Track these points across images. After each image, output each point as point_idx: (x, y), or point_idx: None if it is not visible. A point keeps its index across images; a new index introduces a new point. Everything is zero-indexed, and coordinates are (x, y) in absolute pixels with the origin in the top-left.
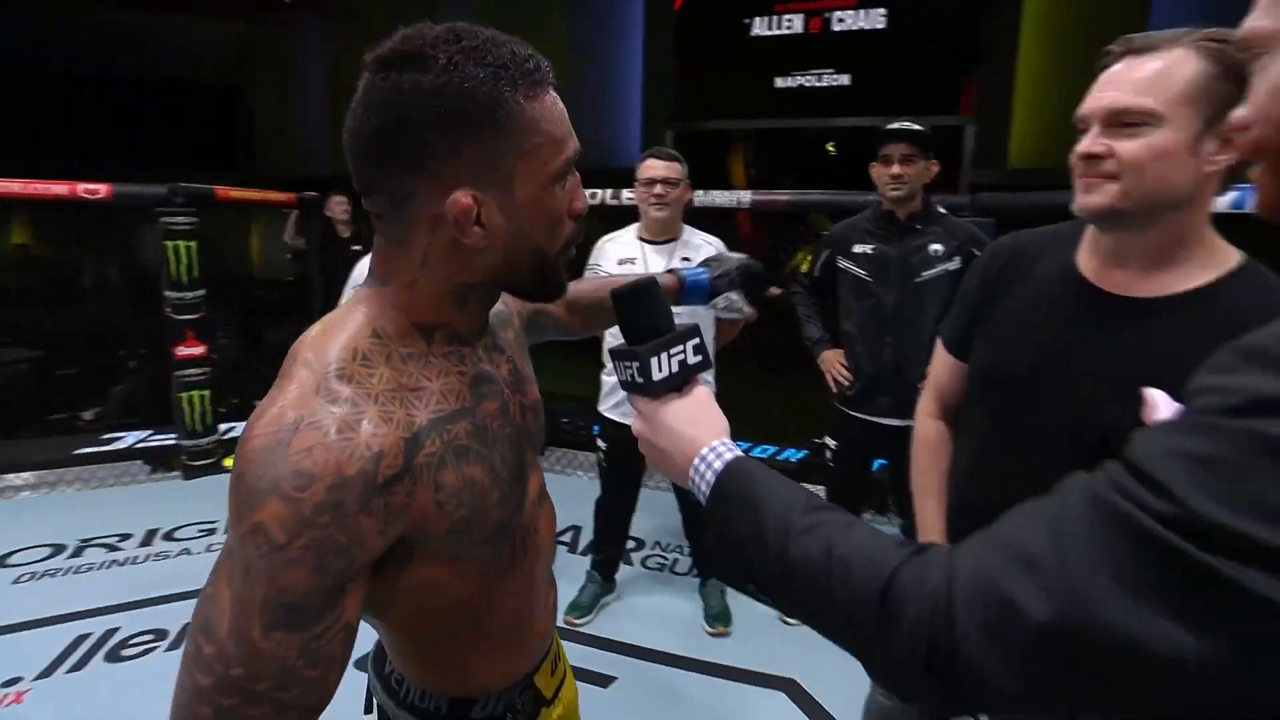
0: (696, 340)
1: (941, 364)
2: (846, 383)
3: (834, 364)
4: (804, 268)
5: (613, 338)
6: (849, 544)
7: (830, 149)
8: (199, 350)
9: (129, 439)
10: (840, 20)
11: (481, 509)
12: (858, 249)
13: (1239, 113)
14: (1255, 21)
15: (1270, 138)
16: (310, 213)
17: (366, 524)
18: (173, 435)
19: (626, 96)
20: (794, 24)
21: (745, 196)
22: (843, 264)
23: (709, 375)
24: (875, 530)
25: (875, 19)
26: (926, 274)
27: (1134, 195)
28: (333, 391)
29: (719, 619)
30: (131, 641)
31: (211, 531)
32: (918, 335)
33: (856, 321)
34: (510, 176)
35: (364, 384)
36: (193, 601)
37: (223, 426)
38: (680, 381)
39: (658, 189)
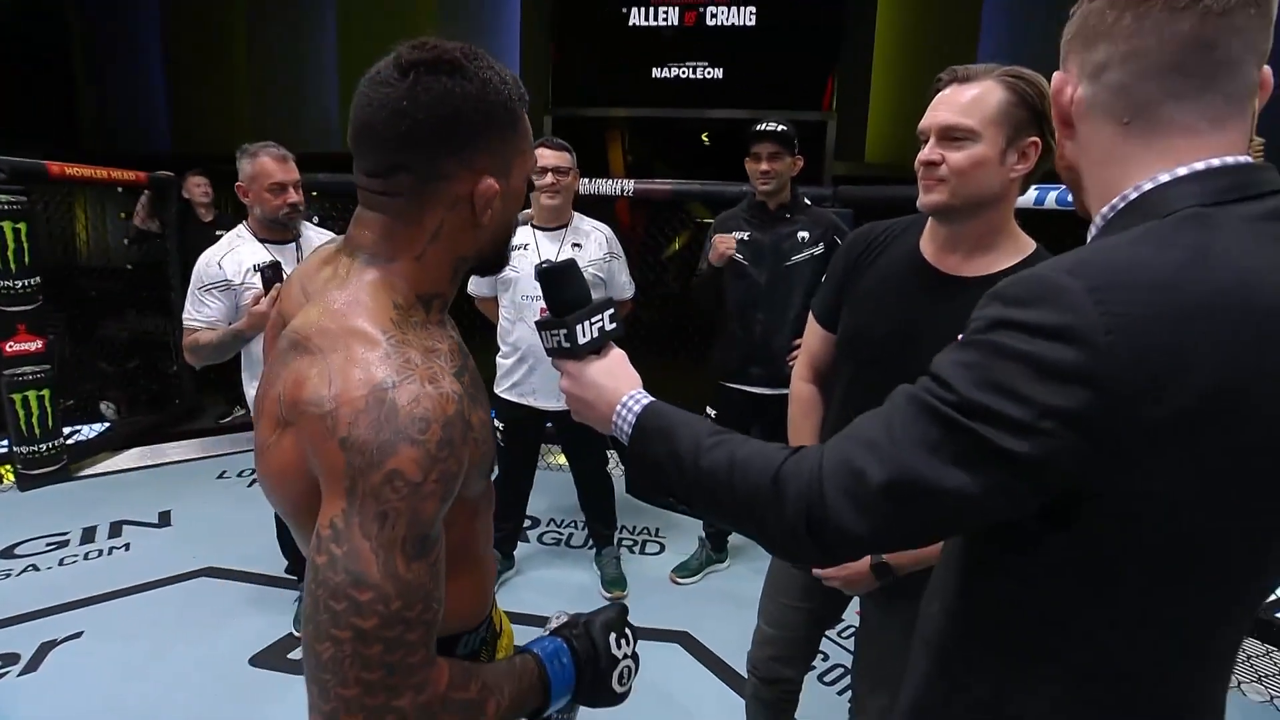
0: (612, 310)
1: (813, 334)
2: (728, 248)
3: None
4: (675, 248)
5: (508, 323)
6: (746, 451)
7: (704, 139)
8: (34, 345)
9: None
10: (713, 15)
11: (489, 445)
12: (735, 235)
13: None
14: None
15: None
16: (166, 194)
17: (465, 454)
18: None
19: None
20: (670, 16)
21: (629, 185)
22: None
23: None
24: (765, 444)
25: (746, 16)
26: (795, 258)
27: (959, 194)
28: (401, 354)
29: (614, 584)
30: None
31: (63, 544)
32: (784, 312)
33: (735, 300)
34: (510, 170)
35: (414, 347)
36: (50, 619)
37: (66, 430)
38: (600, 344)
39: (549, 178)
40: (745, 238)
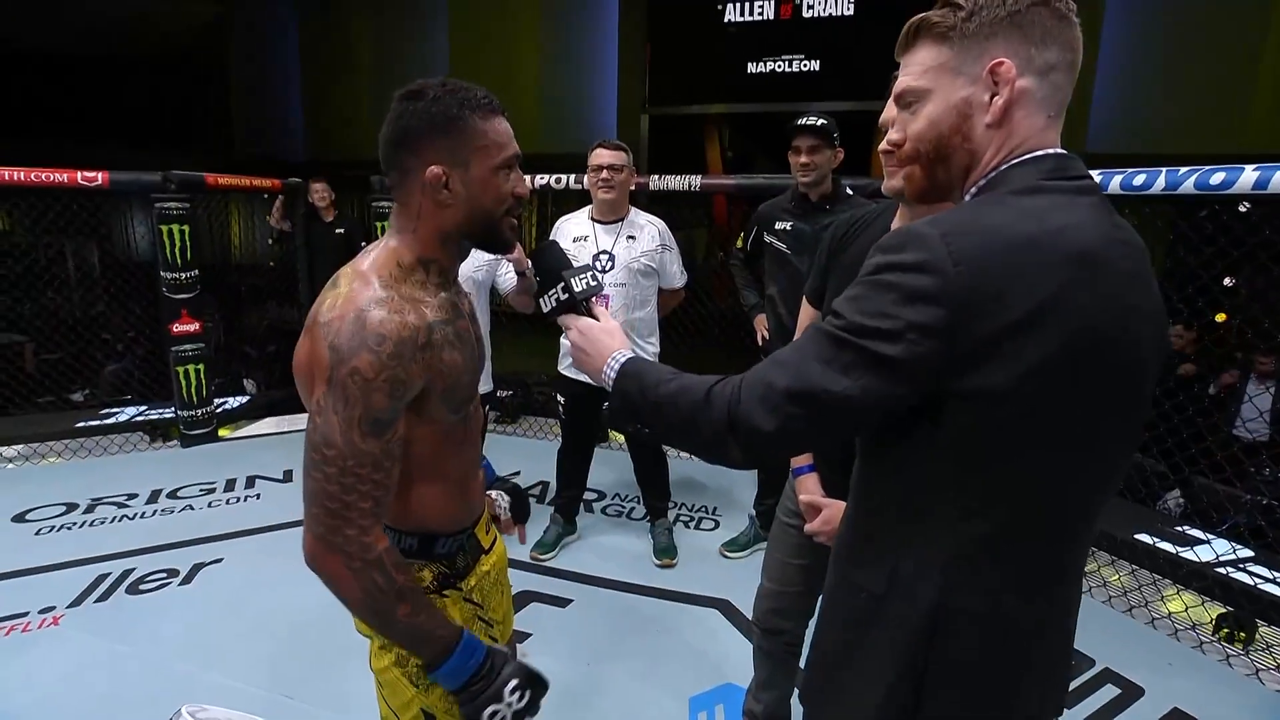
0: (594, 271)
1: (806, 314)
2: (768, 338)
3: (762, 325)
4: (739, 244)
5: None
6: (691, 381)
7: None
8: (193, 327)
9: (128, 413)
10: (810, 7)
11: (459, 383)
12: (779, 225)
13: (896, 135)
14: (914, 81)
15: (919, 148)
16: (295, 197)
17: (415, 369)
18: (169, 408)
19: (603, 84)
20: (765, 9)
21: (696, 180)
22: (767, 238)
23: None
24: (703, 375)
25: (844, 5)
26: None
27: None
28: (383, 291)
29: (665, 552)
30: (149, 579)
31: (211, 491)
32: None
33: (779, 287)
34: (468, 162)
35: (398, 290)
36: (201, 546)
37: (216, 400)
38: (592, 293)
39: (604, 174)
40: (789, 227)
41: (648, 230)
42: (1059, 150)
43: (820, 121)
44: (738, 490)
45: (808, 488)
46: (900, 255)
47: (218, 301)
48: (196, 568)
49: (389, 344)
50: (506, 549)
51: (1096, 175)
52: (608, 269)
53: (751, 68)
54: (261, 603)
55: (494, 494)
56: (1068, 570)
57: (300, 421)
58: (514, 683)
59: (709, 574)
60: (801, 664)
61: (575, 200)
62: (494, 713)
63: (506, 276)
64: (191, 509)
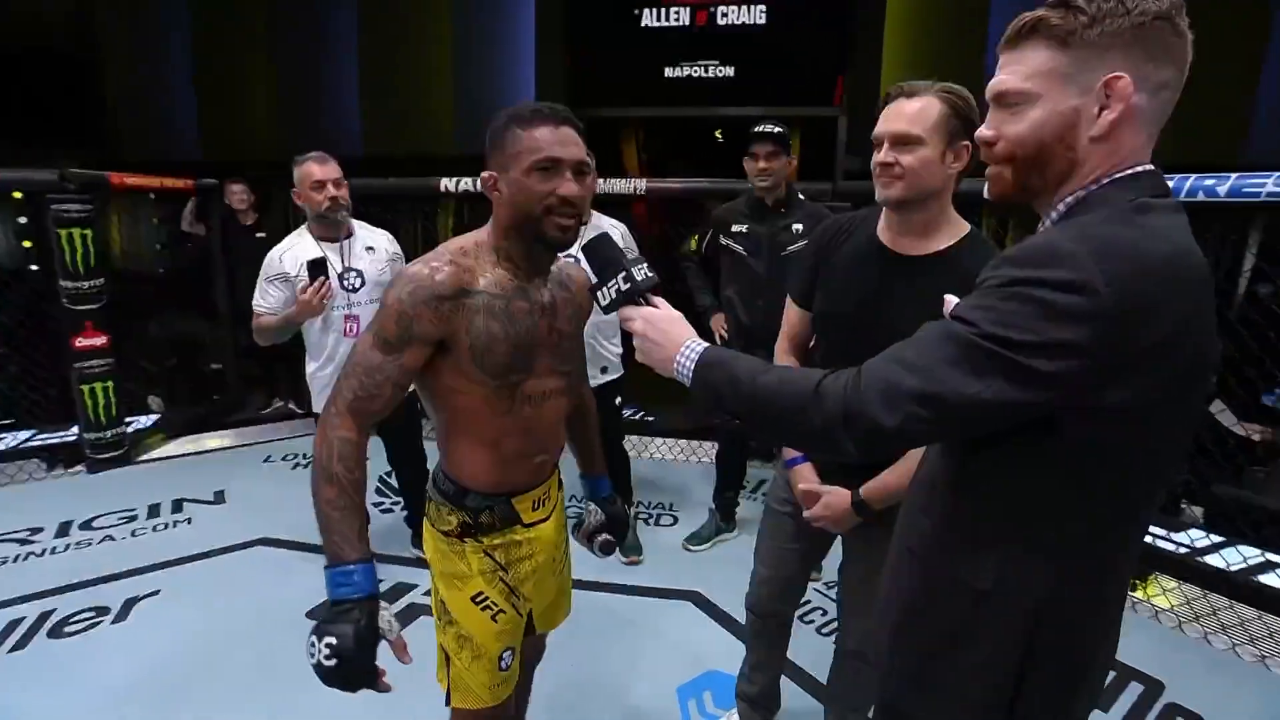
0: (647, 263)
1: (792, 313)
2: (726, 338)
3: (719, 325)
4: (693, 247)
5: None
6: (792, 373)
7: (718, 136)
8: (100, 341)
9: (18, 437)
10: (724, 15)
11: (492, 350)
12: (735, 228)
13: (989, 133)
14: (1021, 83)
15: (1015, 152)
16: (210, 200)
17: (424, 312)
18: (68, 431)
19: (519, 86)
20: (682, 16)
21: (642, 184)
22: (724, 241)
23: None
24: (807, 368)
25: (756, 14)
26: (791, 249)
27: (911, 189)
28: (439, 258)
29: (632, 550)
30: (74, 619)
31: (132, 518)
32: (784, 298)
33: (736, 288)
34: (509, 167)
35: (457, 261)
36: (131, 579)
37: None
38: (652, 285)
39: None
40: (745, 230)
41: (612, 234)
42: (1152, 167)
43: (777, 129)
44: (692, 486)
45: (805, 476)
46: (1046, 272)
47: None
48: (130, 603)
49: (409, 287)
50: (560, 545)
51: None
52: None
53: (668, 73)
54: (214, 633)
55: (593, 507)
56: (1131, 564)
57: (221, 441)
58: (331, 640)
59: (676, 568)
60: (789, 655)
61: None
62: (311, 644)
63: None
64: (112, 539)
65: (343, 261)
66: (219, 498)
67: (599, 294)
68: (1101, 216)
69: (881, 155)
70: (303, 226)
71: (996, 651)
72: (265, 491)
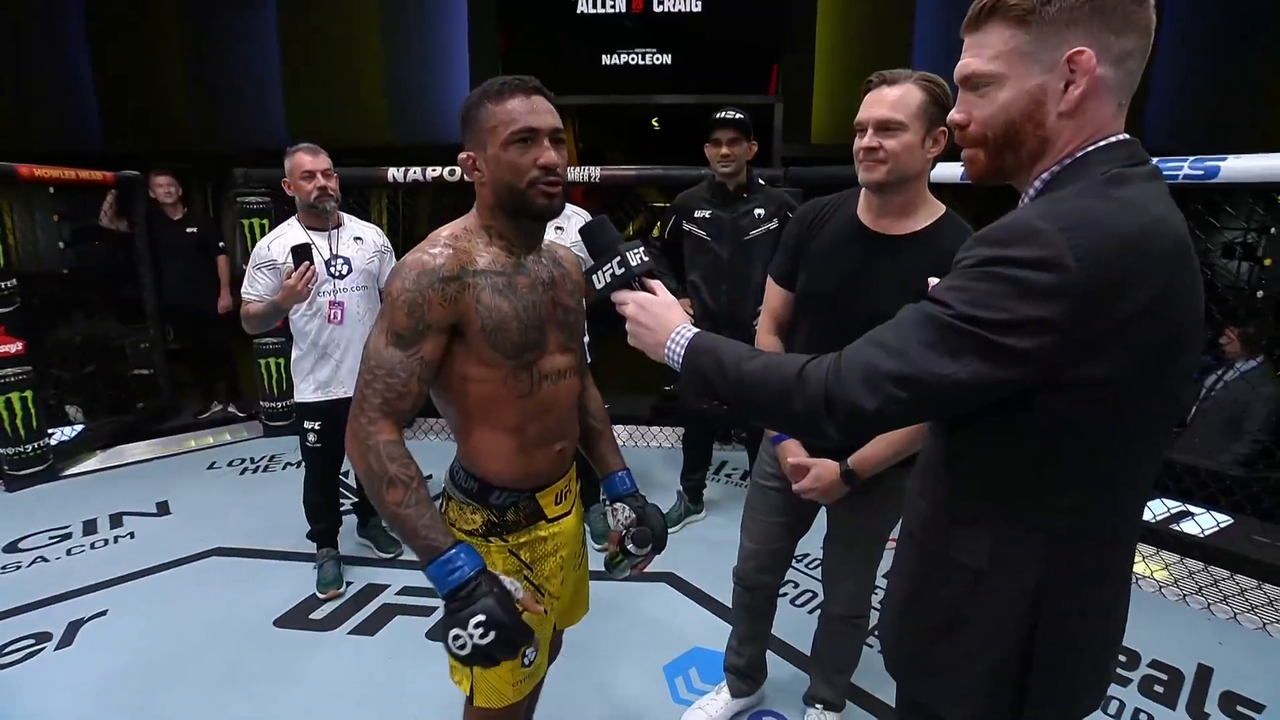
0: (644, 246)
1: (774, 294)
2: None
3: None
4: (655, 233)
5: None
6: (777, 359)
7: (655, 124)
8: (15, 348)
9: None
10: (660, 2)
11: (504, 327)
12: (698, 214)
13: (959, 116)
14: (985, 65)
15: (986, 133)
16: (132, 193)
17: (432, 296)
18: None
19: (453, 73)
20: (618, 3)
21: (595, 171)
22: (687, 226)
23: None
24: (792, 354)
25: (692, 2)
26: (753, 233)
27: (894, 172)
28: (433, 244)
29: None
30: (10, 648)
31: (66, 536)
32: (747, 282)
33: (700, 273)
34: (485, 143)
35: (451, 245)
36: (73, 601)
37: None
38: (648, 269)
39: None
40: (708, 215)
41: (574, 220)
42: (1127, 136)
43: (739, 115)
44: (655, 470)
45: (793, 450)
46: (1016, 250)
47: None
48: (75, 626)
49: (412, 275)
50: (580, 538)
51: None
52: None
53: (605, 59)
54: (175, 649)
55: (619, 505)
56: (1131, 544)
57: (157, 449)
58: (480, 617)
59: None
60: (774, 631)
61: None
62: (456, 636)
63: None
64: (45, 560)
65: (331, 249)
66: (162, 509)
67: (594, 277)
68: (1075, 191)
69: (866, 140)
70: (293, 217)
71: (999, 631)
72: (213, 499)
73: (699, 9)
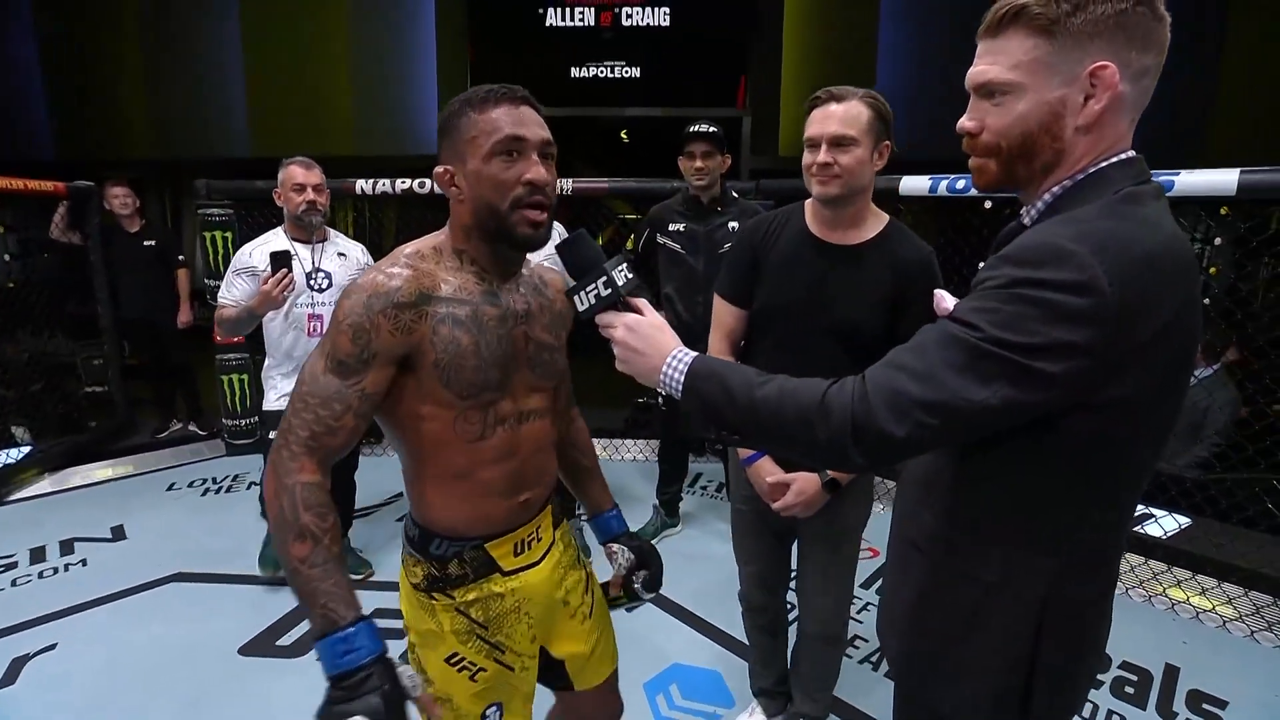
0: (629, 264)
1: (725, 313)
2: None
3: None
4: (629, 246)
5: None
6: (793, 384)
7: (624, 137)
8: None
9: None
10: (629, 16)
11: (459, 364)
12: (672, 227)
13: (971, 123)
14: (1004, 73)
15: (1001, 144)
16: (86, 204)
17: (382, 322)
18: None
19: (421, 84)
20: (587, 16)
21: (568, 184)
22: (661, 239)
23: None
24: (809, 379)
25: (660, 16)
26: (728, 246)
27: (847, 186)
28: (393, 263)
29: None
30: None
31: (11, 565)
32: None
33: (675, 285)
34: (465, 156)
35: (413, 266)
36: (18, 635)
37: None
38: (634, 288)
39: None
40: (682, 229)
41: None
42: (1134, 153)
43: (713, 129)
44: (630, 484)
45: (768, 470)
46: (1048, 272)
47: None
48: (20, 662)
49: (363, 297)
50: (574, 587)
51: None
52: None
53: (574, 72)
54: (132, 681)
55: (616, 548)
56: (1120, 551)
57: (112, 471)
58: (358, 719)
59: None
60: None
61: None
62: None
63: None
64: None
65: (313, 262)
66: (118, 534)
67: (576, 298)
68: (1095, 210)
69: (821, 156)
70: (279, 226)
71: (1009, 636)
72: (173, 522)
73: (666, 23)
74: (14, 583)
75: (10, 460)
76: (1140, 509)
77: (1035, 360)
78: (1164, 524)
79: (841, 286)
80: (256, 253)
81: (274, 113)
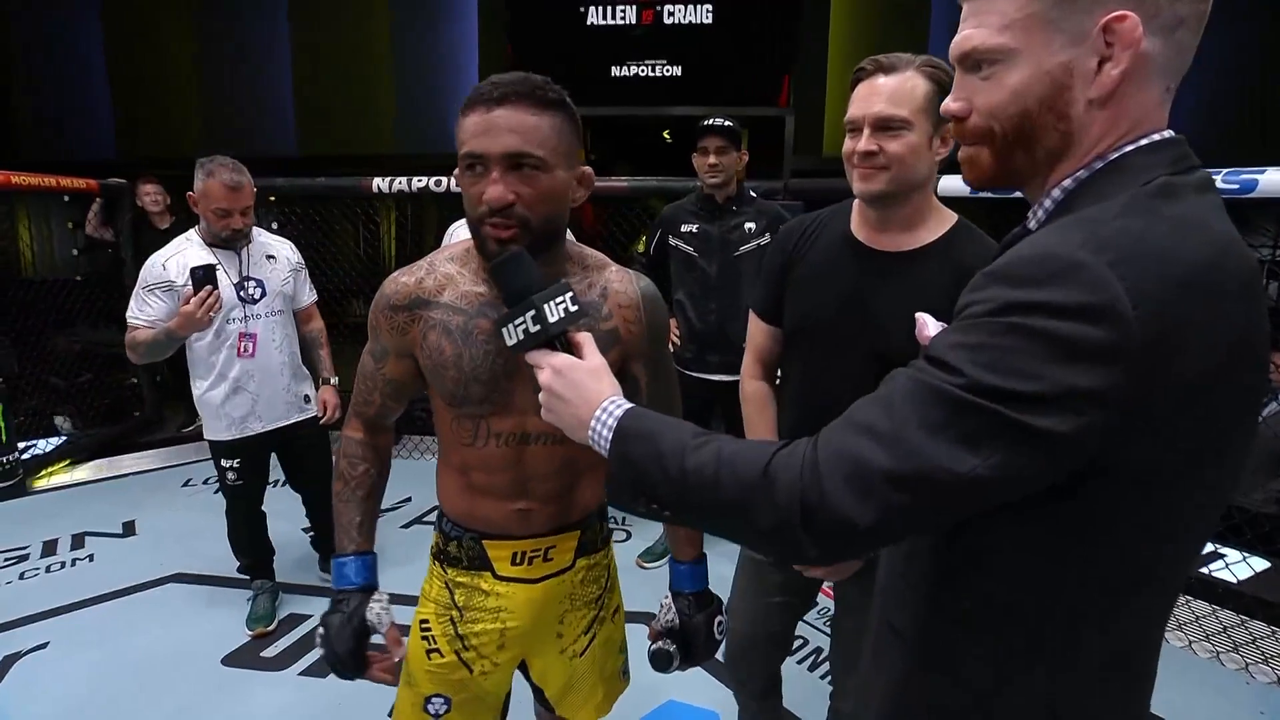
0: (572, 292)
1: (758, 331)
2: (679, 344)
3: (670, 330)
4: (640, 248)
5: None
6: (734, 447)
7: (666, 136)
8: None
9: None
10: (671, 14)
11: (440, 370)
12: (685, 228)
13: (957, 105)
14: (991, 37)
15: (993, 127)
16: (118, 202)
17: (383, 320)
18: None
19: (462, 84)
20: (628, 15)
21: None
22: (673, 242)
23: None
24: (754, 440)
25: (703, 14)
26: (743, 248)
27: (896, 180)
28: (420, 263)
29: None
30: None
31: (23, 558)
32: (737, 301)
33: (686, 291)
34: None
35: (435, 269)
36: (13, 631)
37: (21, 444)
38: (569, 324)
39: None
40: (695, 230)
41: None
42: (1172, 133)
43: (728, 123)
44: None
45: None
46: (1050, 292)
47: (4, 325)
48: (10, 661)
49: (379, 293)
50: (554, 617)
51: None
52: None
53: (615, 71)
54: (110, 691)
55: (666, 603)
56: (1161, 639)
57: (135, 464)
58: (321, 630)
59: (630, 586)
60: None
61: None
62: (320, 634)
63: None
64: None
65: (240, 270)
66: (128, 529)
67: (504, 332)
68: (1116, 208)
69: (862, 143)
70: (191, 231)
71: None
72: (181, 521)
73: (709, 20)
74: (22, 576)
75: (40, 451)
76: (1209, 546)
77: (1039, 416)
78: (1237, 569)
79: (886, 301)
80: (171, 264)
81: (320, 112)
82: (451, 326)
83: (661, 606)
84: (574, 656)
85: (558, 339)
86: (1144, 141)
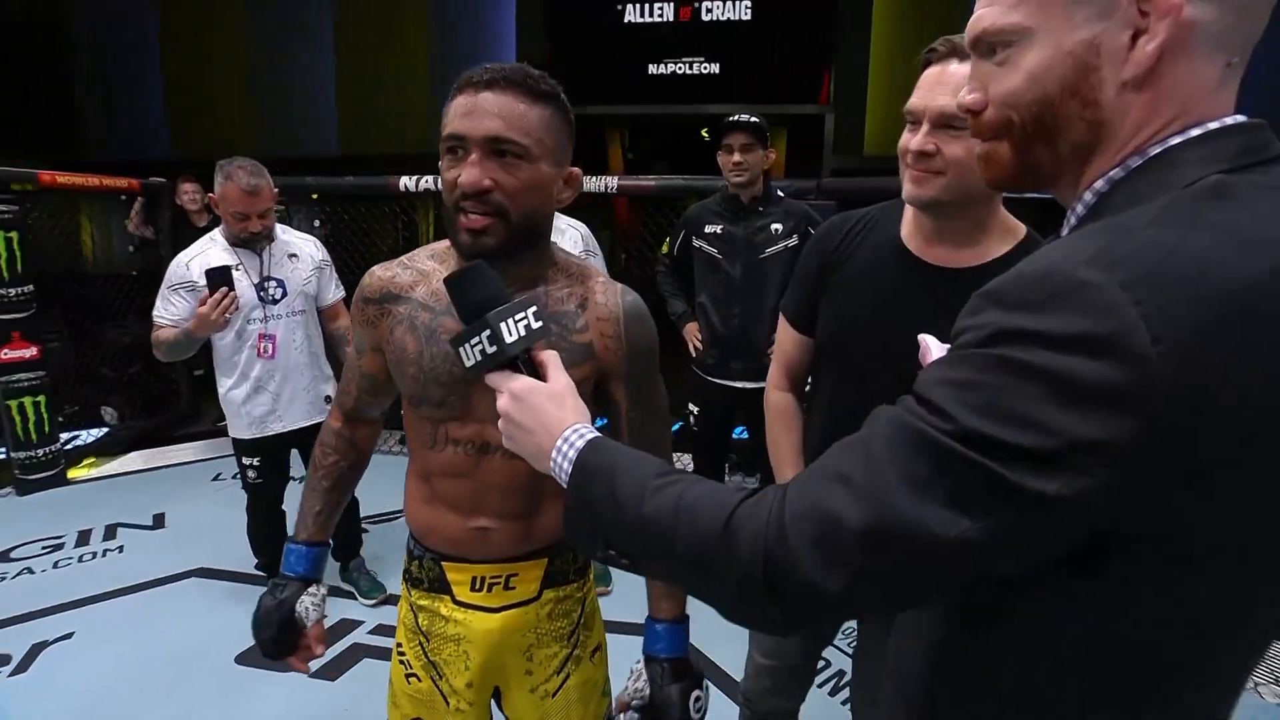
0: (535, 308)
1: (787, 338)
2: (701, 349)
3: (692, 334)
4: (664, 249)
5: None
6: (695, 493)
7: (704, 134)
8: (28, 353)
9: None
10: (709, 10)
11: (402, 368)
12: (709, 229)
13: (972, 96)
14: (1003, 16)
15: (1010, 117)
16: (159, 200)
17: (356, 313)
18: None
19: None
20: (666, 12)
21: (613, 182)
22: (696, 243)
23: None
24: (721, 484)
25: (741, 10)
26: (769, 250)
27: (954, 189)
28: (401, 258)
29: (600, 579)
30: None
31: (58, 547)
32: (761, 305)
33: (709, 294)
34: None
35: (414, 264)
36: (41, 620)
37: (64, 436)
38: (528, 345)
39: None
40: (719, 231)
41: (569, 235)
42: (1243, 119)
43: (753, 119)
44: None
45: None
46: (1050, 319)
47: (64, 317)
48: (37, 649)
49: (358, 287)
50: (518, 648)
51: None
52: None
53: (652, 69)
54: (128, 684)
55: (639, 669)
56: None
57: (171, 457)
58: (255, 612)
59: (644, 599)
60: None
61: None
62: (254, 612)
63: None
64: (30, 572)
65: (261, 270)
66: (158, 522)
67: (461, 352)
68: (1149, 214)
69: (918, 140)
70: (216, 230)
71: None
72: (208, 515)
73: (748, 17)
74: (55, 565)
75: (82, 442)
76: None
77: (1037, 475)
78: None
79: (937, 321)
80: (194, 264)
81: (362, 111)
82: (417, 323)
83: (631, 673)
84: (545, 697)
85: (519, 359)
86: (1195, 131)
